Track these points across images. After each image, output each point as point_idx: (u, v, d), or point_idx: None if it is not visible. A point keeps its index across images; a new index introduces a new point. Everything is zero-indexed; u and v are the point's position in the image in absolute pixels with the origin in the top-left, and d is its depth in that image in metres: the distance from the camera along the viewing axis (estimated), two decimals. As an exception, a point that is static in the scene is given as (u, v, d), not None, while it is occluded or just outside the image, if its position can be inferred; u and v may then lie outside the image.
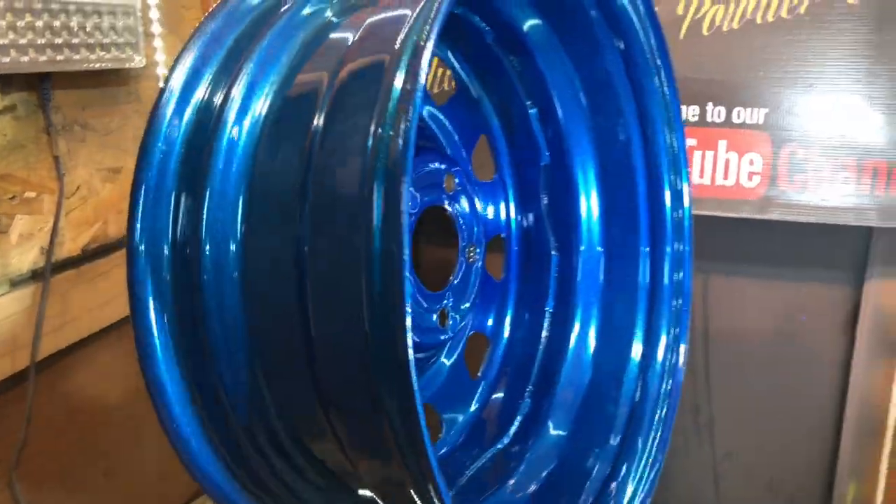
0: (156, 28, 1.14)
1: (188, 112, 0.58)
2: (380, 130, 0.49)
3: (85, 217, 1.06)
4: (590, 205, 0.93)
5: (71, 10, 0.93)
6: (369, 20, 0.59)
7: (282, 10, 0.63)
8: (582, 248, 0.93)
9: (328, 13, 0.65)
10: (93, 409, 1.12)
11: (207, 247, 0.55)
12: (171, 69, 0.59)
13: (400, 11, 0.57)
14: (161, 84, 1.16)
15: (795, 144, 1.00)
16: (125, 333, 1.15)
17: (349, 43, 0.59)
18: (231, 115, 0.56)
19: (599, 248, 0.93)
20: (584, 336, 0.94)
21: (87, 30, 0.96)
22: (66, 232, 1.03)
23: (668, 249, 0.89)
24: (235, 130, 0.57)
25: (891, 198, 0.98)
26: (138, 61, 1.05)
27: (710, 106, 1.01)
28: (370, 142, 0.49)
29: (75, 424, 1.09)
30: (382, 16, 0.59)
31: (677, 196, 0.88)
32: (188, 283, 0.56)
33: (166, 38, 1.16)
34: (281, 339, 0.55)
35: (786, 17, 0.96)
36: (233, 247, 0.56)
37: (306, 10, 0.64)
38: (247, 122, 0.57)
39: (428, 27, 0.50)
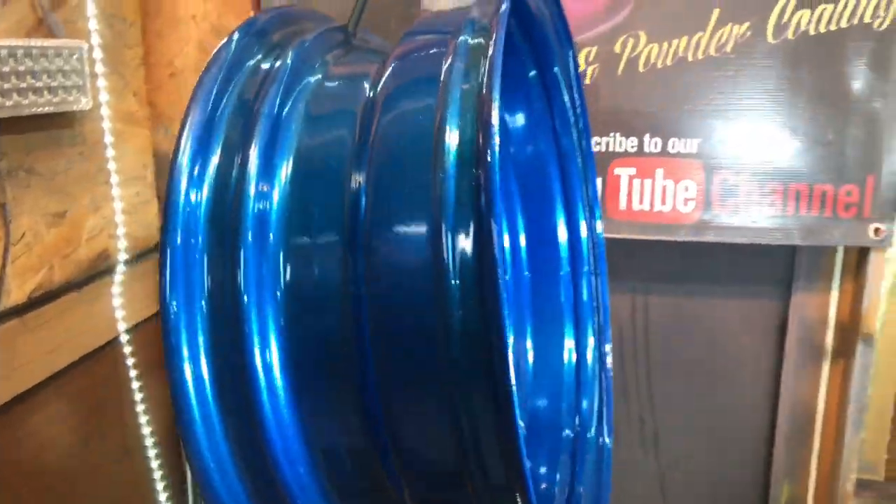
0: (99, 68, 1.12)
1: (206, 184, 0.57)
2: (442, 176, 0.50)
3: (30, 264, 1.03)
4: (517, 237, 0.98)
5: (19, 54, 0.92)
6: (393, 67, 0.60)
7: (276, 65, 0.64)
8: (507, 277, 0.98)
9: (326, 64, 0.66)
10: (44, 457, 1.09)
11: (246, 297, 0.54)
12: (179, 135, 0.58)
13: (426, 55, 0.59)
14: (105, 124, 1.15)
15: (726, 171, 1.07)
16: (72, 379, 1.12)
17: (368, 94, 0.60)
18: (252, 185, 0.56)
19: (527, 273, 0.98)
20: (522, 348, 0.99)
21: (35, 73, 0.94)
22: (12, 280, 1.00)
23: (586, 269, 0.95)
24: (261, 202, 0.56)
25: (812, 218, 1.07)
26: (85, 103, 1.03)
27: (647, 137, 1.07)
28: (442, 191, 0.50)
29: (26, 474, 1.05)
30: (404, 63, 0.60)
31: (592, 227, 0.94)
32: (228, 344, 0.55)
33: (109, 78, 1.14)
34: (334, 384, 0.55)
35: (714, 55, 1.03)
36: (278, 295, 0.55)
37: (304, 63, 0.64)
38: (275, 193, 0.56)
39: (488, 69, 0.52)
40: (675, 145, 1.07)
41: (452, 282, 0.49)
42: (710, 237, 1.10)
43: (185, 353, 0.55)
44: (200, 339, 0.55)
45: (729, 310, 1.26)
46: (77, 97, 1.01)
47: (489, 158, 0.49)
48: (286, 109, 0.60)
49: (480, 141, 0.50)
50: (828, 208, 1.06)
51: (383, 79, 0.60)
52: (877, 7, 0.99)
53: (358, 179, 0.55)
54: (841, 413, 1.19)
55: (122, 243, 1.20)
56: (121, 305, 1.21)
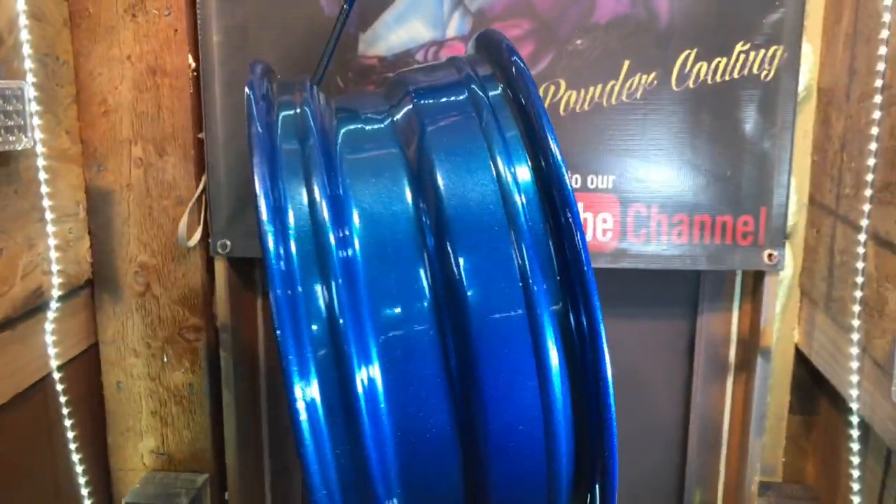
0: (33, 107, 1.13)
1: (291, 240, 0.61)
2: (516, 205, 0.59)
3: (-34, 302, 1.03)
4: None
5: (-38, 96, 0.92)
6: (419, 107, 0.67)
7: (300, 122, 0.68)
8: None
9: (339, 117, 0.72)
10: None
11: (342, 321, 0.60)
12: (255, 197, 0.60)
13: (448, 103, 0.67)
14: (40, 161, 1.15)
15: (639, 205, 1.17)
16: (6, 418, 1.11)
17: (408, 131, 0.66)
18: (330, 235, 0.61)
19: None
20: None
21: (-24, 115, 0.95)
22: (-53, 319, 1.00)
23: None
24: (342, 249, 0.62)
25: (715, 245, 1.18)
26: (26, 142, 1.04)
27: (568, 175, 1.17)
28: (516, 220, 0.59)
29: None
30: (429, 107, 0.68)
31: None
32: (334, 364, 0.60)
33: (43, 117, 1.15)
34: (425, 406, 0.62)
35: (626, 101, 1.14)
36: (374, 318, 0.61)
37: (324, 119, 0.69)
38: (355, 240, 0.62)
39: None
40: (593, 181, 1.17)
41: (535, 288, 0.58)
42: (626, 264, 1.20)
43: (297, 378, 0.58)
44: (311, 365, 0.59)
45: (644, 331, 1.36)
46: (18, 136, 1.02)
47: (565, 191, 0.61)
48: (336, 162, 0.65)
49: (554, 173, 0.60)
50: (728, 237, 1.17)
51: (405, 111, 0.67)
52: (762, 61, 1.12)
53: (424, 214, 0.63)
54: (744, 422, 1.31)
55: (56, 280, 1.20)
56: (53, 343, 1.21)
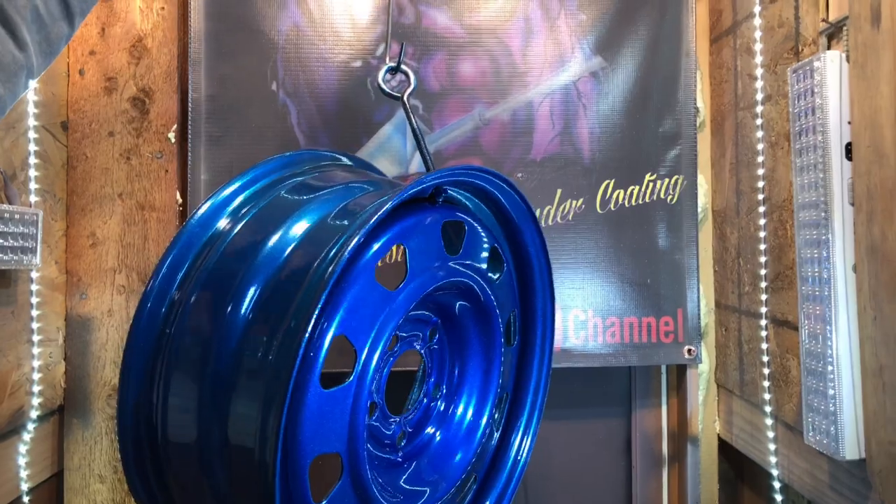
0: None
1: None
2: None
3: (-39, 415, 1.07)
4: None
5: (-9, 217, 1.03)
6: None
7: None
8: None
9: None
10: None
11: None
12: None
13: None
14: (33, 287, 1.24)
15: (577, 310, 1.36)
16: None
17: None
18: None
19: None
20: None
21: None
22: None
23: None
24: None
25: (643, 344, 1.37)
26: (36, 264, 1.14)
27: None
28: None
29: None
30: None
31: None
32: None
33: (40, 247, 1.25)
34: None
35: (560, 222, 1.36)
36: None
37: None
38: None
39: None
40: (536, 292, 1.35)
41: None
42: (569, 364, 1.36)
43: None
44: None
45: (587, 431, 1.50)
46: (30, 258, 1.12)
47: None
48: None
49: None
50: (653, 335, 1.37)
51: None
52: (667, 187, 1.37)
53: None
54: (681, 510, 1.44)
55: (35, 401, 1.25)
56: (26, 464, 1.23)
